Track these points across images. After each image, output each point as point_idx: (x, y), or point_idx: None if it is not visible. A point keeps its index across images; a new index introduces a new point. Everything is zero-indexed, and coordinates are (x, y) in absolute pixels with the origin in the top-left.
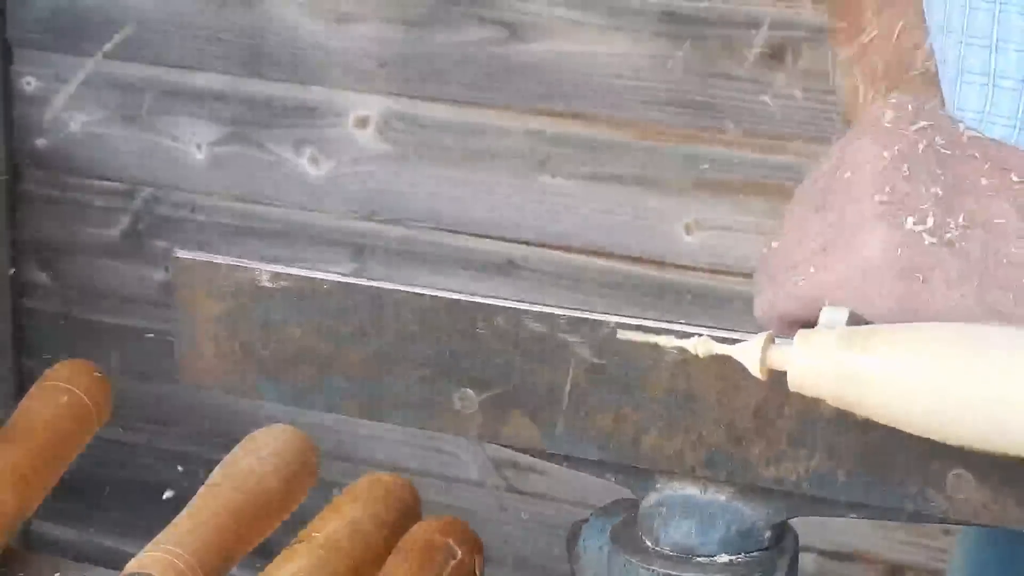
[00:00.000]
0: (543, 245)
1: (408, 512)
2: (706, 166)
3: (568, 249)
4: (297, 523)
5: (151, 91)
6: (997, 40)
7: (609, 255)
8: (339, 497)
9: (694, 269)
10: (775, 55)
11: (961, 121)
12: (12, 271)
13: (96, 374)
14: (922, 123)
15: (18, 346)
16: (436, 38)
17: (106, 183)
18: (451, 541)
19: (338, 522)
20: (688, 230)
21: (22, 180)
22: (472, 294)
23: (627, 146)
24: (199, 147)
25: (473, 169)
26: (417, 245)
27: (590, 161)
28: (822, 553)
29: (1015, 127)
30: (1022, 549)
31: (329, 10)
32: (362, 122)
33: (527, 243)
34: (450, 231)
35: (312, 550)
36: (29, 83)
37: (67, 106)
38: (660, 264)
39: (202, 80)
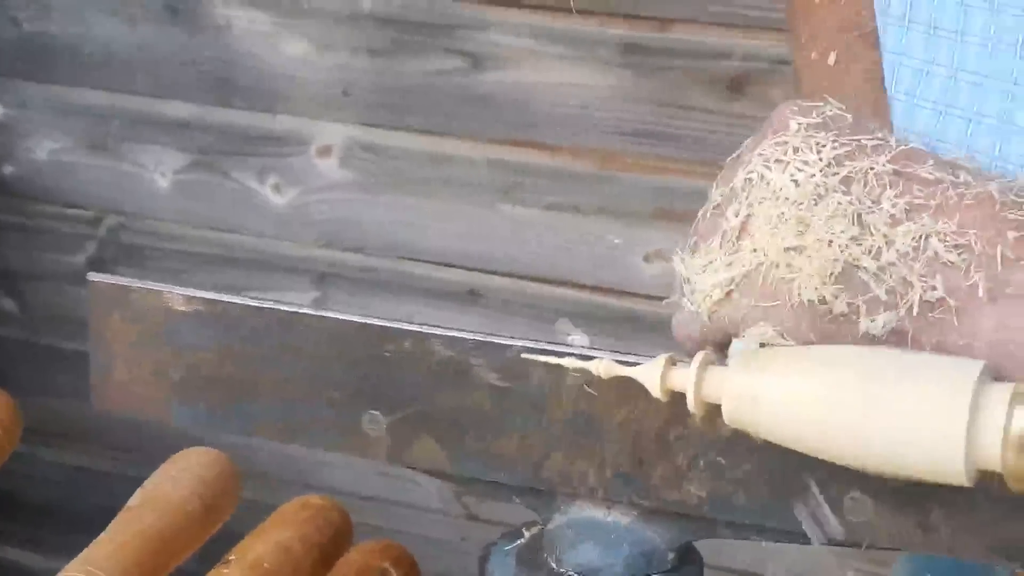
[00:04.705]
0: (506, 274)
1: (340, 534)
2: (668, 196)
3: (530, 278)
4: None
5: (117, 119)
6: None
7: (571, 284)
8: (268, 519)
9: (654, 299)
10: (737, 86)
11: (869, 129)
12: None
13: (2, 398)
14: (824, 134)
15: None
16: (400, 68)
17: (72, 210)
18: (387, 564)
19: (266, 544)
20: (648, 260)
21: None
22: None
23: (589, 176)
24: (164, 175)
25: (436, 198)
26: (380, 274)
27: (553, 191)
28: None
29: (940, 113)
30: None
31: (295, 40)
32: (325, 151)
33: (490, 272)
34: (413, 260)
35: (240, 572)
36: None
37: (34, 133)
38: (620, 293)
39: (168, 108)
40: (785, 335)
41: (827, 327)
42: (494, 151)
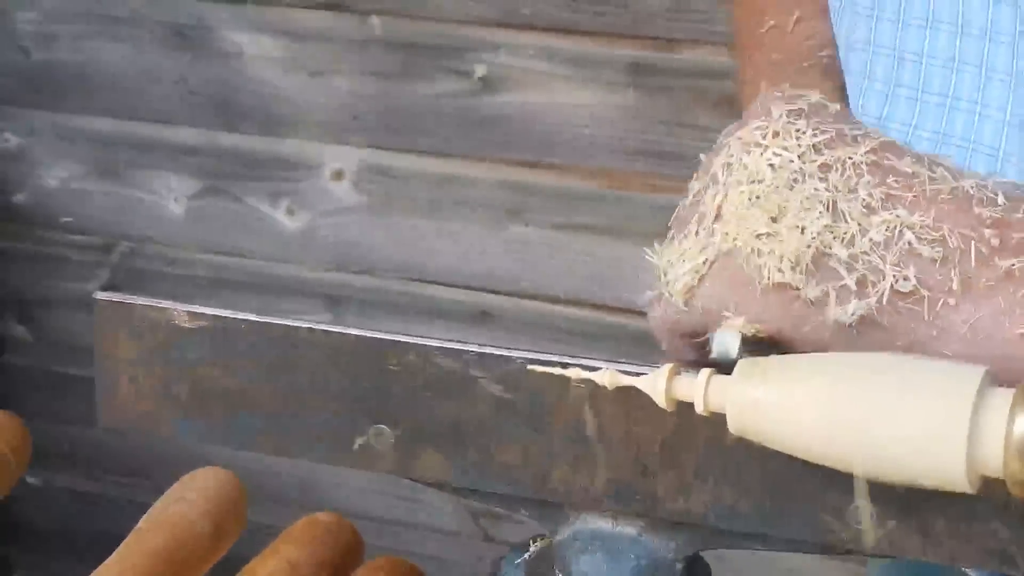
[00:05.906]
0: (517, 295)
1: (350, 553)
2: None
3: (542, 298)
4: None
5: (127, 146)
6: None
7: (582, 304)
8: (278, 539)
9: None
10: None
11: (851, 120)
12: None
13: (12, 422)
14: (804, 121)
15: None
16: (409, 91)
17: (84, 237)
18: None
19: (277, 562)
20: None
21: (1, 235)
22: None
23: (598, 196)
24: (176, 200)
25: (447, 220)
26: (392, 296)
27: (562, 211)
28: None
29: (908, 133)
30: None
31: (303, 64)
32: (337, 174)
33: (501, 293)
34: (424, 281)
35: None
36: (7, 139)
37: (44, 161)
38: (632, 313)
39: (178, 134)
40: (760, 323)
41: (797, 313)
42: (503, 172)
